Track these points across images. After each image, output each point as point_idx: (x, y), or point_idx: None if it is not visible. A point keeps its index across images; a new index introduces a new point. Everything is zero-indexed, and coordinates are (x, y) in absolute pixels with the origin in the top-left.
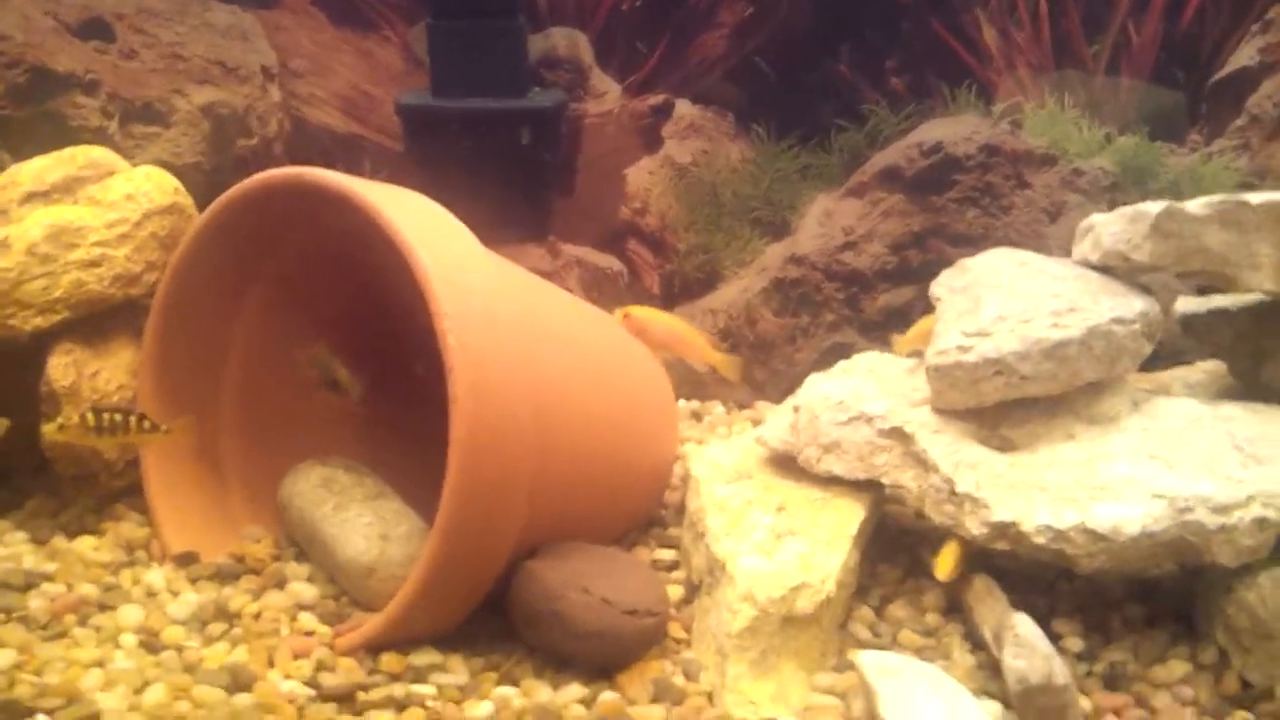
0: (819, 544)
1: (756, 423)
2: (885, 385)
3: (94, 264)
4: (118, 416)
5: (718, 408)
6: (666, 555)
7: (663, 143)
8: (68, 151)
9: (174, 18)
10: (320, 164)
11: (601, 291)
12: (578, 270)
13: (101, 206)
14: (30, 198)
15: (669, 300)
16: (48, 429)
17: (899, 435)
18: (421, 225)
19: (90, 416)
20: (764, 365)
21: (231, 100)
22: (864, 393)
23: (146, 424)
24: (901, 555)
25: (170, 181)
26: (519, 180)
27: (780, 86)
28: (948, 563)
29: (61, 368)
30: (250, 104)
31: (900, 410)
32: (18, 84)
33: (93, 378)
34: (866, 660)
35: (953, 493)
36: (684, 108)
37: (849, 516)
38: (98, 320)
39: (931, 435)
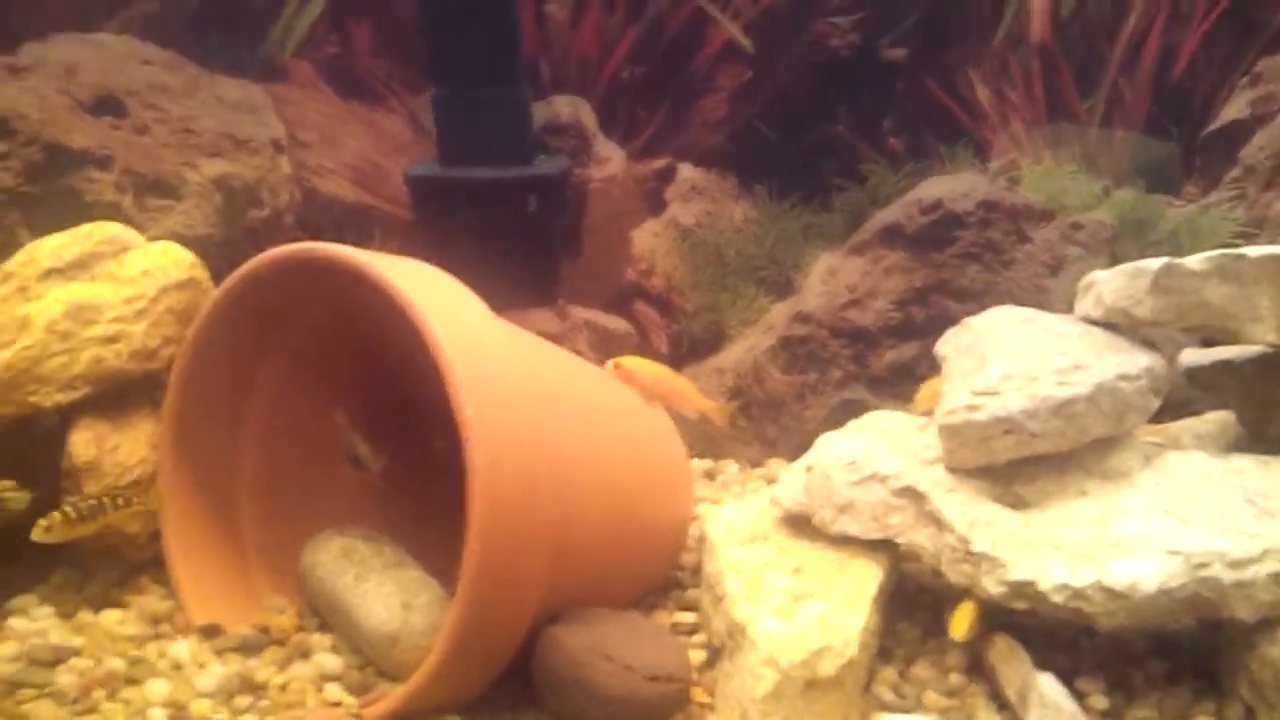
0: (838, 606)
1: (770, 481)
2: (897, 444)
3: (112, 340)
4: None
5: (730, 466)
6: (686, 619)
7: (667, 205)
8: (84, 228)
9: (184, 93)
10: (331, 234)
11: (610, 353)
12: (586, 332)
13: (119, 283)
14: (49, 274)
15: (677, 360)
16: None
17: (912, 494)
18: (433, 296)
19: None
20: (774, 423)
21: (242, 172)
22: (876, 452)
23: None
24: (921, 613)
25: (186, 256)
26: (526, 246)
27: (780, 148)
28: (963, 623)
29: (83, 443)
30: (261, 176)
31: (913, 469)
32: (34, 161)
33: (114, 451)
34: None
35: (969, 552)
36: (686, 170)
37: (867, 577)
38: (117, 395)
39: (945, 494)
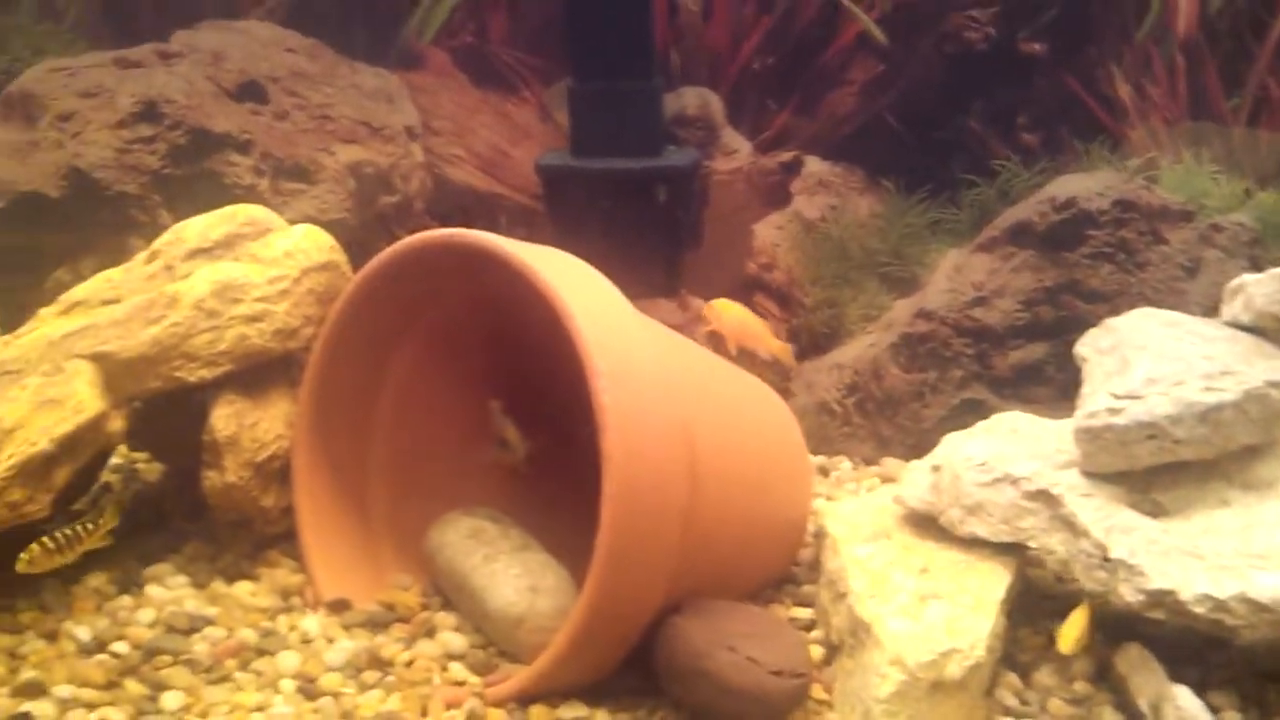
0: (965, 608)
1: (885, 480)
2: (1028, 446)
3: (256, 319)
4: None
5: (844, 463)
6: (802, 614)
7: (791, 198)
8: (228, 209)
9: (324, 80)
10: (458, 221)
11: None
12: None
13: (263, 263)
14: (194, 254)
15: (796, 354)
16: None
17: (1046, 498)
18: (574, 284)
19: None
20: (890, 421)
21: (376, 159)
22: (1008, 453)
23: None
24: (1044, 620)
25: (326, 239)
26: (653, 237)
27: (910, 142)
28: (1072, 635)
29: (224, 419)
30: (394, 162)
31: (1046, 472)
32: (178, 144)
33: (252, 428)
34: None
35: (1105, 559)
36: (814, 164)
37: (995, 580)
38: (257, 373)
39: (1080, 498)
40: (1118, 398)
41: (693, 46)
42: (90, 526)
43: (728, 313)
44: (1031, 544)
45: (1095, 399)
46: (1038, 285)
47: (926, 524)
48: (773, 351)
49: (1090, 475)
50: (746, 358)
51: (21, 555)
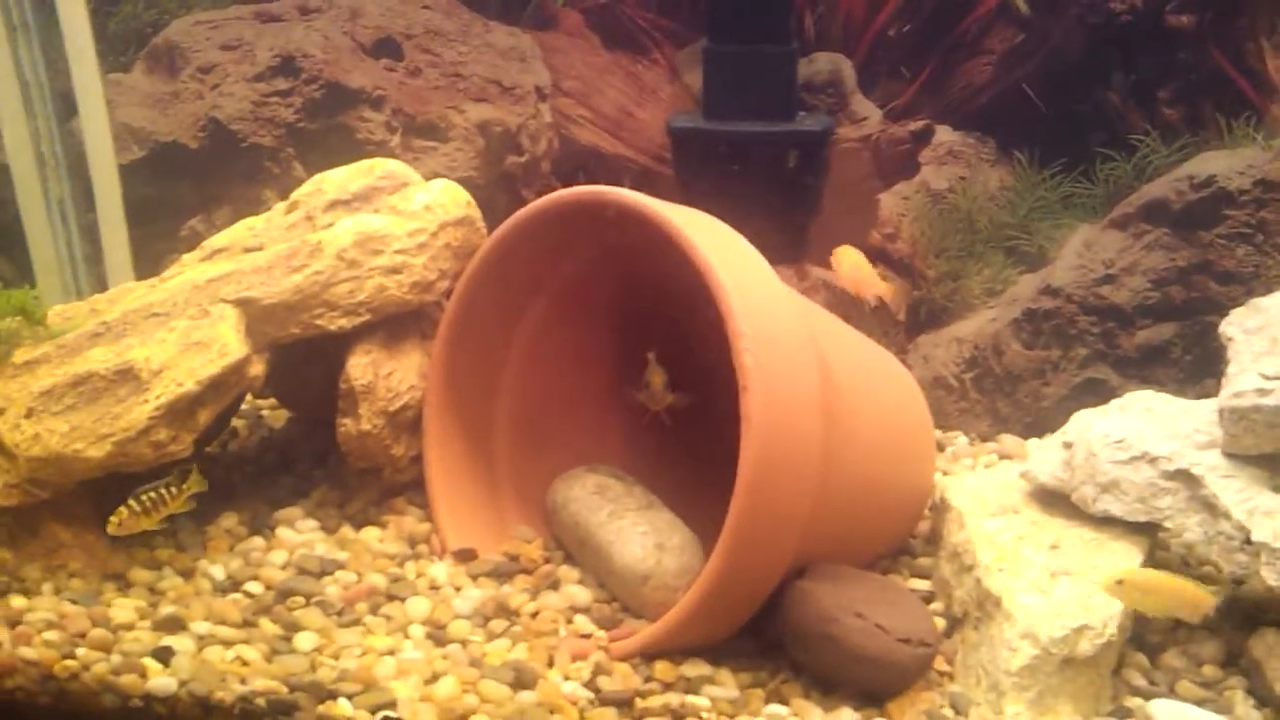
0: (1096, 586)
1: (1002, 456)
2: (1165, 425)
3: (395, 270)
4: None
5: (960, 438)
6: (921, 585)
7: (920, 168)
8: (366, 163)
9: (458, 38)
10: (583, 182)
11: (845, 315)
12: (824, 293)
13: (403, 216)
14: (333, 205)
15: (914, 327)
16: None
17: (1185, 478)
18: (718, 246)
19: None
20: (1008, 398)
21: (505, 118)
22: (1144, 432)
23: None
24: None
25: (463, 195)
26: (781, 203)
27: (1046, 114)
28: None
29: (361, 367)
30: (523, 122)
31: (1185, 452)
32: (314, 99)
33: (387, 378)
34: (1160, 710)
35: (1247, 541)
36: (944, 134)
37: (1125, 560)
38: (393, 324)
39: (1221, 479)
40: (1267, 378)
41: (827, 10)
42: (174, 490)
43: (847, 258)
44: (1167, 524)
45: (1242, 379)
46: (1170, 264)
47: (1055, 500)
48: (881, 293)
49: (1232, 456)
50: (855, 308)
51: (111, 518)
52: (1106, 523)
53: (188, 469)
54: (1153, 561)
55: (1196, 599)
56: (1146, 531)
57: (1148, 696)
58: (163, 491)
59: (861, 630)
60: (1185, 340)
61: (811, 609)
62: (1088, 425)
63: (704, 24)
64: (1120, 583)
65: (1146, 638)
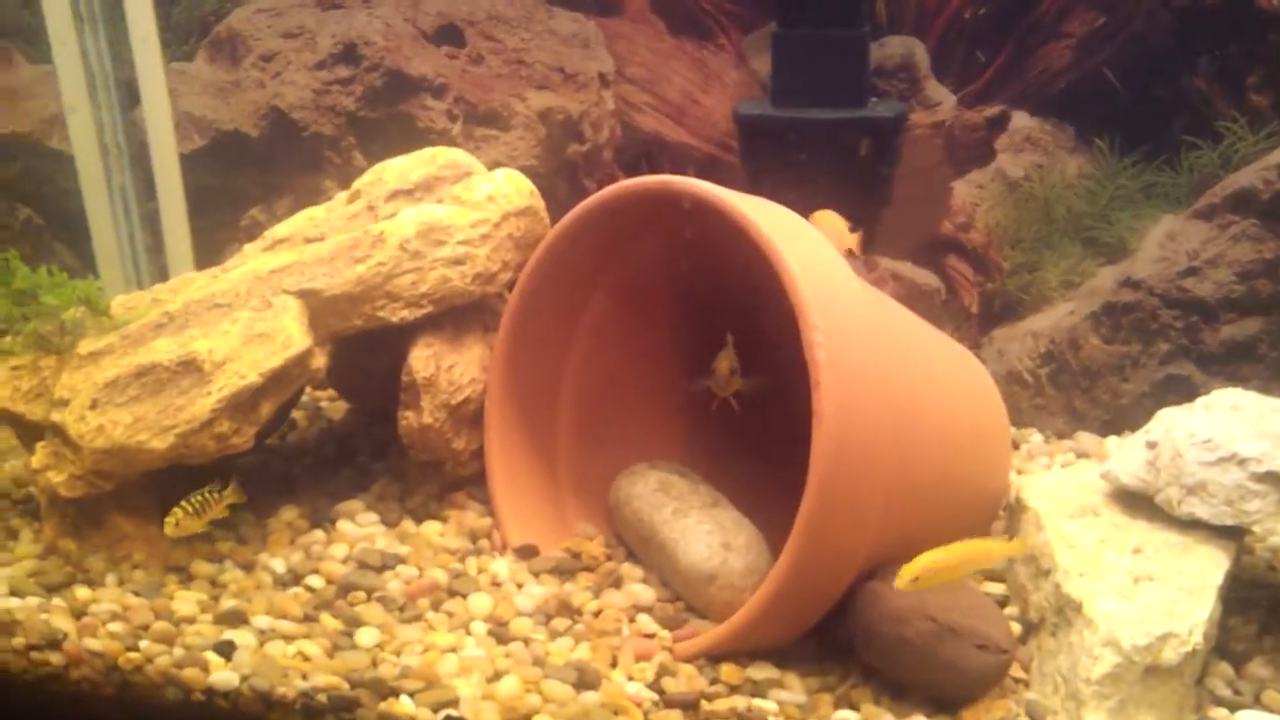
0: (1181, 592)
1: (1080, 454)
2: (1254, 425)
3: (458, 261)
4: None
5: (1035, 436)
6: (995, 589)
7: (995, 155)
8: (428, 152)
9: (520, 24)
10: (645, 170)
11: (915, 307)
12: (893, 284)
13: (466, 206)
14: (395, 195)
15: (988, 320)
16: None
17: (1275, 480)
18: (790, 238)
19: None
20: (1085, 394)
21: (568, 106)
22: (1233, 432)
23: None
24: (1255, 610)
25: (527, 184)
26: (852, 192)
27: (1128, 100)
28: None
29: (423, 360)
30: (585, 110)
31: (1276, 453)
32: (375, 86)
33: (449, 370)
34: None
35: None
36: (1021, 120)
37: (1212, 565)
38: (455, 315)
39: None
40: None
41: None
42: (216, 495)
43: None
44: (1255, 528)
45: None
46: (1256, 257)
47: (1138, 502)
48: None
49: None
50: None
51: (167, 520)
52: (1192, 526)
53: (226, 478)
54: (1239, 567)
55: (989, 552)
56: (1234, 535)
57: (1233, 707)
58: (208, 495)
59: (934, 634)
60: (1272, 336)
61: (883, 611)
62: (1173, 424)
63: (771, 8)
64: (915, 579)
65: (1231, 646)
